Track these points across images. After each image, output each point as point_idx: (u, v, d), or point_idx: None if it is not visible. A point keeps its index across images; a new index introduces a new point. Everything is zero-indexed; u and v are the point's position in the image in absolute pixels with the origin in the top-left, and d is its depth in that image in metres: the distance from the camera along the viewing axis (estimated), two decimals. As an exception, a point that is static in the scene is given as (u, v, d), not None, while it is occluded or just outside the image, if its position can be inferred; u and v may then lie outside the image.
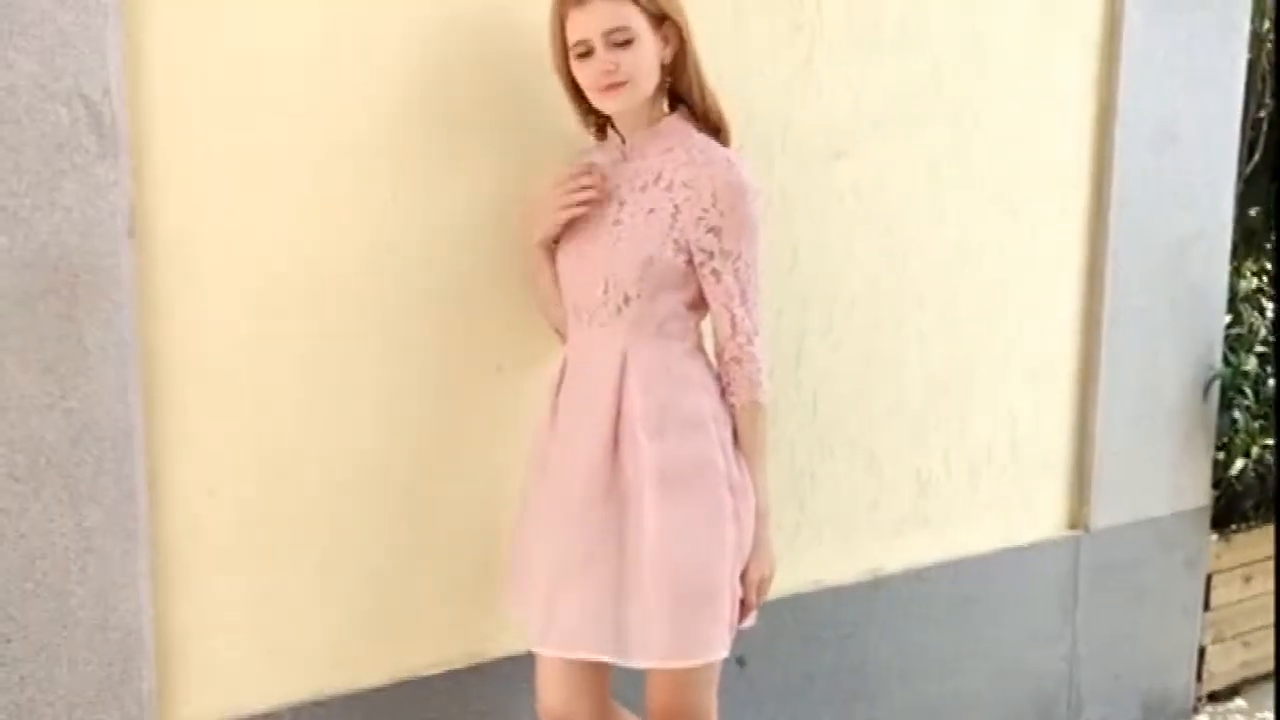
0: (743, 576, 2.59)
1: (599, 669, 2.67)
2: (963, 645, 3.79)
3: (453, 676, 2.89)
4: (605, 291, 2.56)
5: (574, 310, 2.65)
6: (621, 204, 2.59)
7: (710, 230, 2.51)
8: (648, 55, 2.52)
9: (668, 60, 2.56)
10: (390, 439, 2.76)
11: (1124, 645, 4.17)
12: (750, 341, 2.56)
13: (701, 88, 2.62)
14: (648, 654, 2.51)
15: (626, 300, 2.55)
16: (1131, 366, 3.99)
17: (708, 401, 2.57)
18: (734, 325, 2.55)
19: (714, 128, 2.63)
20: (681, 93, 2.62)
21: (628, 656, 2.52)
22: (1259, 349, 4.36)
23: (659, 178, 2.57)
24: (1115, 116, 3.80)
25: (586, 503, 2.54)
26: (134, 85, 2.37)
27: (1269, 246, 4.50)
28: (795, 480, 3.39)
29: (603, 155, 2.69)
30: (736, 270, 2.53)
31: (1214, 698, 4.52)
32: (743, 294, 2.54)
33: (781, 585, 3.31)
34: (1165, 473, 4.16)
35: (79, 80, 2.27)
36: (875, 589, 3.57)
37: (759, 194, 2.56)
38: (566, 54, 2.55)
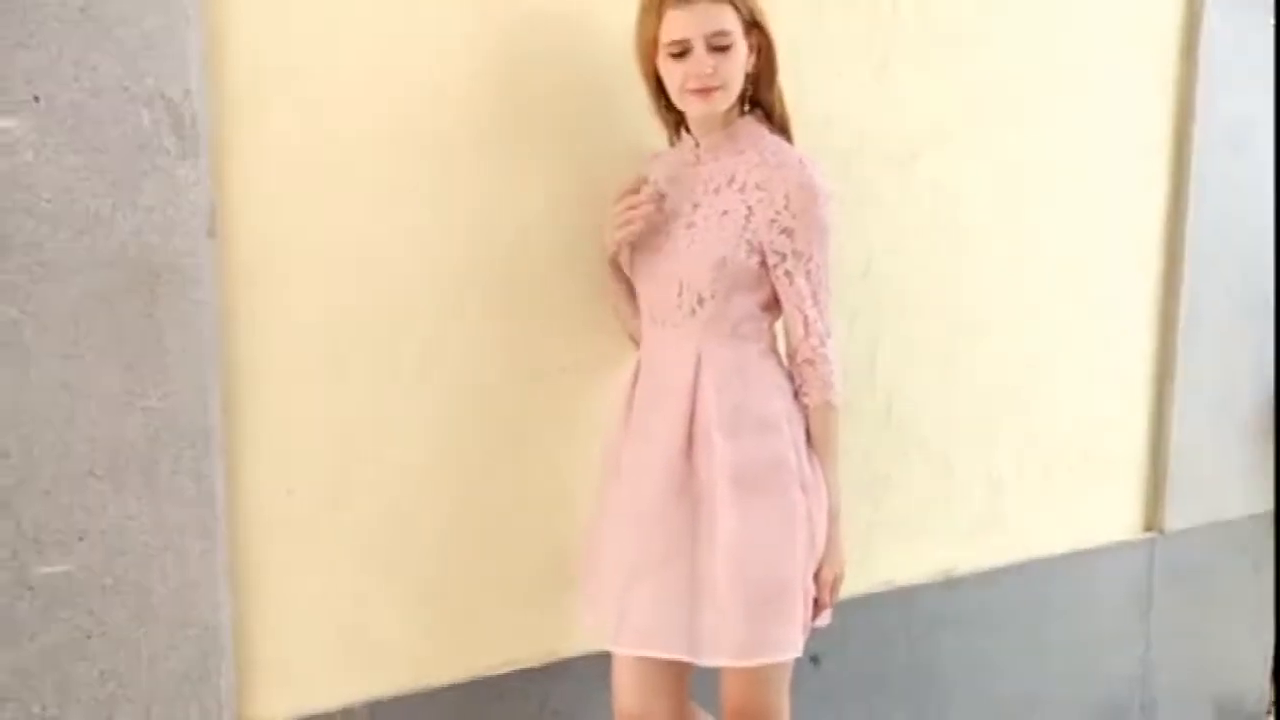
0: (816, 575, 2.57)
1: (677, 668, 2.63)
2: (1035, 647, 3.72)
3: (526, 675, 2.87)
4: (680, 293, 2.53)
5: (649, 312, 2.62)
6: (695, 206, 2.57)
7: (783, 231, 2.49)
8: (740, 61, 2.49)
9: (751, 68, 2.53)
10: (462, 439, 2.74)
11: (1197, 648, 4.10)
12: (823, 343, 2.53)
13: (781, 97, 2.60)
14: (720, 652, 2.49)
15: (700, 301, 2.52)
16: (1206, 369, 3.91)
17: (781, 402, 2.54)
18: (807, 327, 2.52)
19: (785, 131, 2.60)
20: (764, 101, 2.59)
21: (700, 655, 2.50)
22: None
23: (732, 179, 2.54)
24: (1192, 118, 3.72)
25: (661, 502, 2.52)
26: (214, 87, 2.36)
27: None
28: (870, 482, 3.34)
29: (674, 157, 2.66)
30: (809, 272, 2.51)
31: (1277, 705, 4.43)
32: (814, 295, 2.52)
33: (855, 585, 3.30)
34: (1238, 475, 4.08)
35: (160, 82, 2.26)
36: (948, 589, 3.51)
37: (831, 197, 2.51)
38: (655, 50, 2.50)
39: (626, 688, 2.67)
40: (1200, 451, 3.94)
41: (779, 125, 2.61)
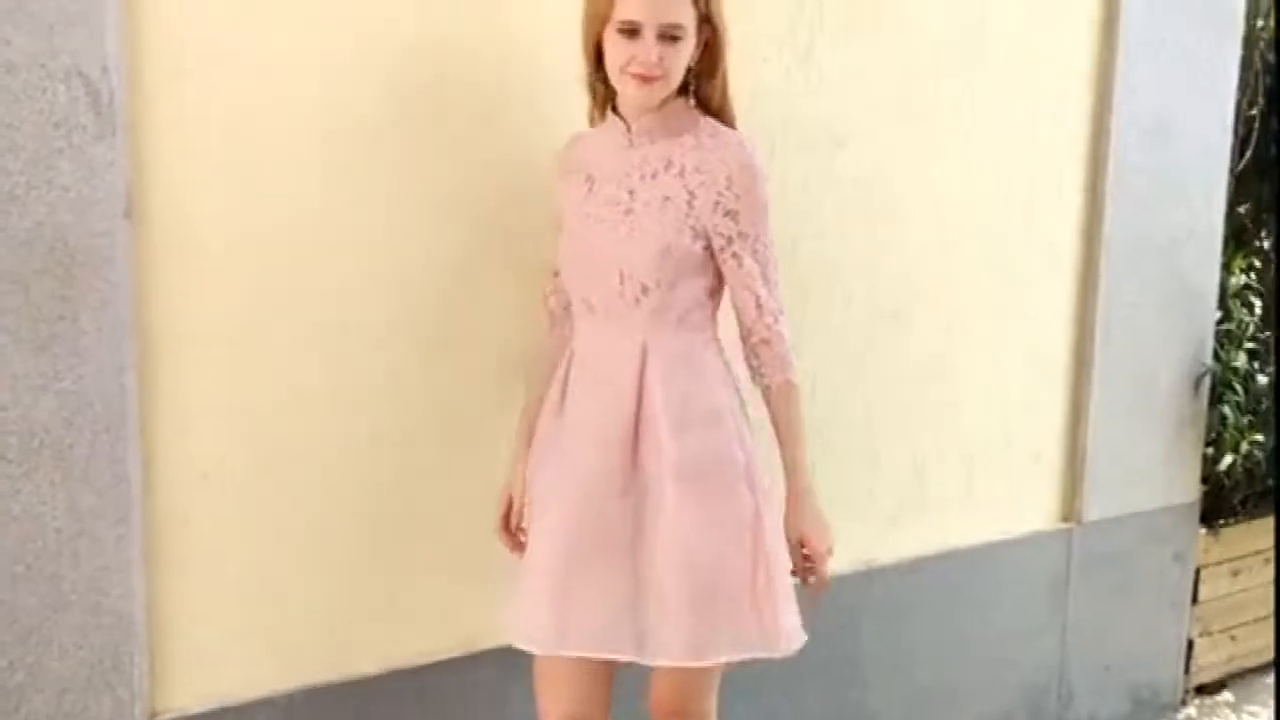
0: (804, 550, 2.55)
1: (609, 668, 2.57)
2: (956, 636, 3.72)
3: (446, 666, 2.82)
4: (621, 282, 2.46)
5: (583, 301, 2.53)
6: (632, 193, 2.48)
7: (727, 214, 2.45)
8: (686, 55, 2.43)
9: (694, 62, 2.47)
10: (385, 425, 2.69)
11: (1114, 638, 4.11)
12: (776, 320, 2.49)
13: (724, 94, 2.54)
14: (667, 653, 2.44)
15: (645, 291, 2.46)
16: (1124, 361, 3.92)
17: (725, 394, 2.51)
18: (759, 306, 2.47)
19: (723, 119, 2.55)
20: (702, 91, 2.53)
21: (646, 655, 2.45)
22: (1248, 345, 4.30)
23: (669, 164, 2.48)
24: (1111, 111, 3.73)
25: (603, 498, 2.45)
26: (133, 64, 2.30)
27: (1257, 244, 4.45)
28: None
29: (603, 138, 2.57)
30: (755, 251, 2.46)
31: (1201, 690, 4.45)
32: (764, 274, 2.47)
33: (776, 575, 3.29)
34: (1157, 467, 4.10)
35: (77, 58, 2.21)
36: (869, 579, 3.50)
37: (768, 177, 2.48)
38: (604, 23, 2.41)
39: (563, 690, 2.58)
40: (1118, 443, 3.95)
41: (715, 113, 2.54)
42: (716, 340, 2.57)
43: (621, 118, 2.53)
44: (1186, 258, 4.02)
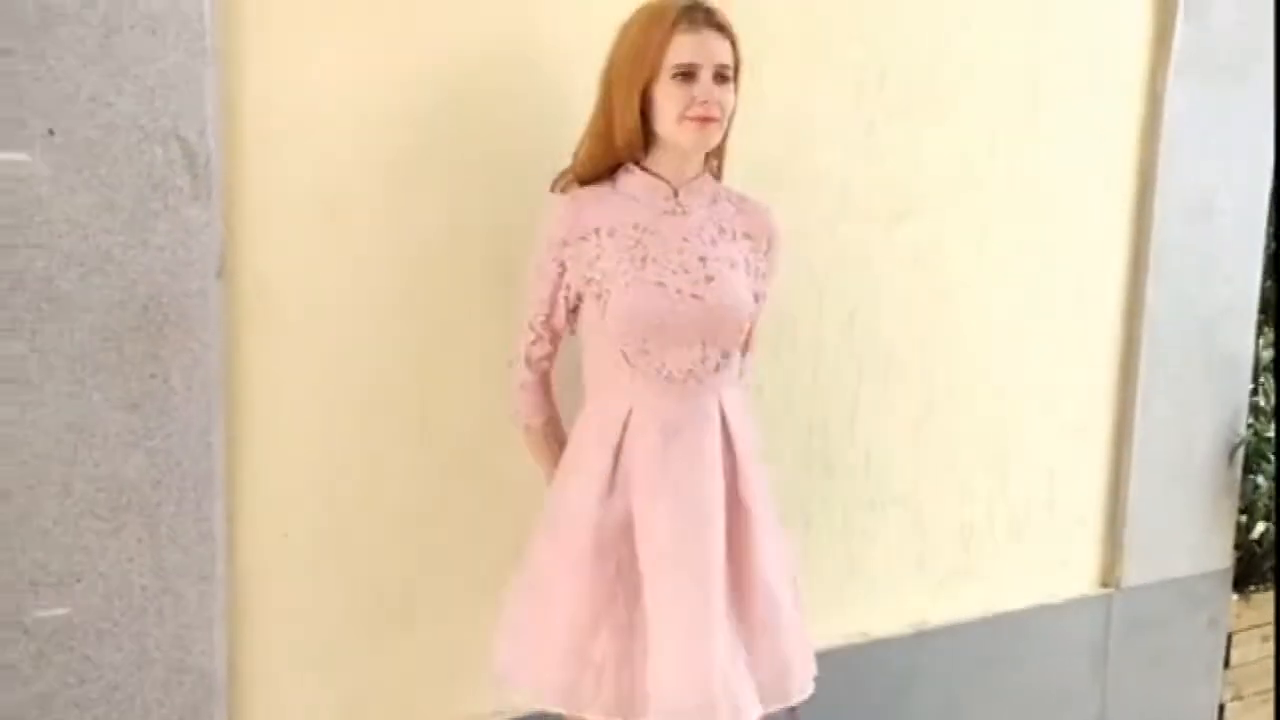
0: None
1: None
2: (1001, 698, 3.63)
3: (518, 724, 2.74)
4: (704, 350, 2.37)
5: (655, 372, 2.37)
6: (703, 260, 2.38)
7: (762, 276, 2.48)
8: (733, 99, 2.36)
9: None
10: (460, 488, 2.62)
11: (1150, 701, 4.01)
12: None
13: (723, 143, 2.47)
14: (805, 687, 2.51)
15: (726, 357, 2.40)
16: (1164, 431, 3.84)
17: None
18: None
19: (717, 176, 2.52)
20: (721, 149, 2.47)
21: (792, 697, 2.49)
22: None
23: (722, 230, 2.42)
24: (1154, 189, 3.67)
25: (715, 552, 2.35)
26: (227, 128, 2.24)
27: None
28: (847, 536, 3.25)
29: (626, 200, 2.41)
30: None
31: None
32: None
33: (831, 637, 3.22)
34: (1193, 533, 4.01)
35: (176, 121, 2.16)
36: (919, 641, 3.41)
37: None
38: (652, 73, 2.30)
39: None
40: (1157, 510, 3.87)
41: (718, 169, 2.51)
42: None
43: (660, 178, 2.40)
44: (1224, 331, 3.95)
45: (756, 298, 2.46)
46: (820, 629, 3.19)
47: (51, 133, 2.05)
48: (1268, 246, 4.06)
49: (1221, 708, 4.26)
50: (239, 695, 2.40)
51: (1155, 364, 3.77)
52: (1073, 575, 3.78)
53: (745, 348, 2.51)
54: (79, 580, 2.17)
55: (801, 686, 2.49)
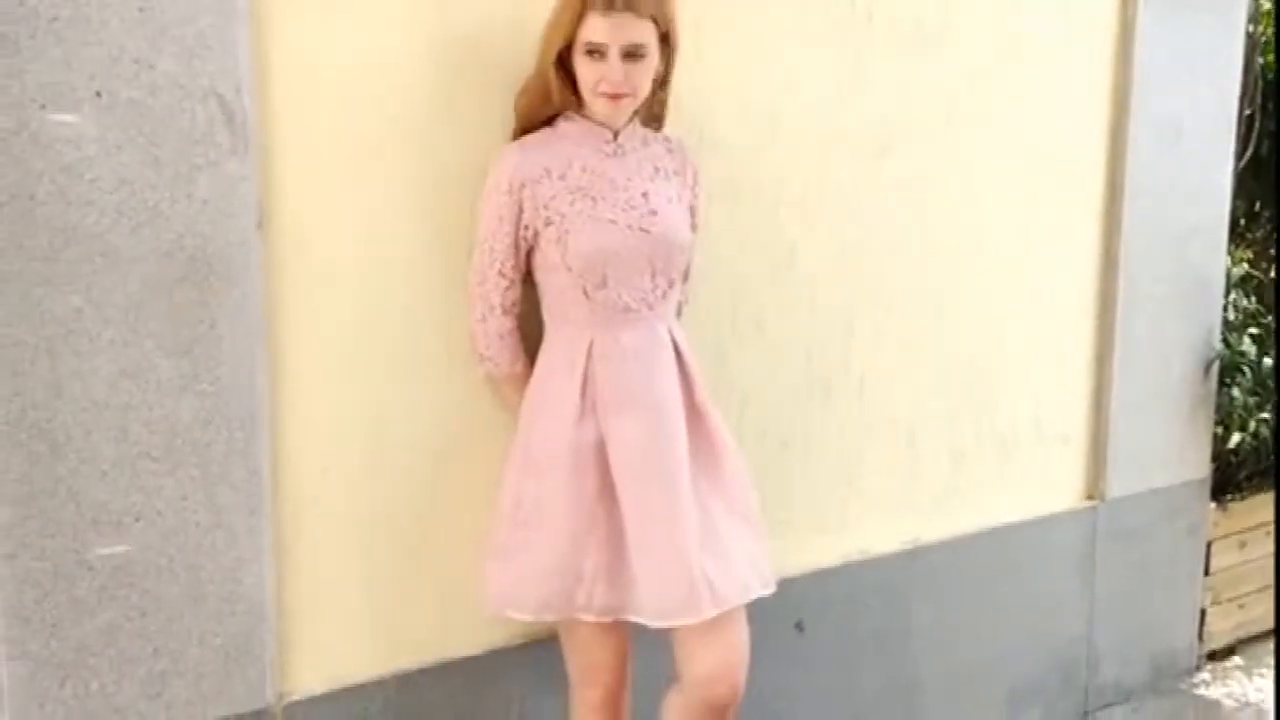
0: None
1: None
2: (993, 610, 3.79)
3: (543, 646, 2.86)
4: (653, 278, 2.59)
5: (608, 305, 2.56)
6: (645, 195, 2.58)
7: (691, 209, 2.70)
8: (650, 70, 2.52)
9: (659, 75, 2.58)
10: (485, 418, 2.74)
11: (1135, 608, 4.17)
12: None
13: (664, 102, 2.68)
14: (768, 579, 2.67)
15: (671, 284, 2.64)
16: (1142, 349, 4.00)
17: None
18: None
19: (657, 121, 2.72)
20: (657, 103, 2.66)
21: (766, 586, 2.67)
22: (1252, 330, 4.38)
23: (656, 169, 2.64)
24: (1128, 115, 3.81)
25: (680, 468, 2.56)
26: (261, 84, 2.34)
27: (1250, 236, 4.54)
28: (844, 457, 3.39)
29: (569, 146, 2.58)
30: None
31: (1213, 656, 4.52)
32: None
33: (832, 556, 3.37)
34: (1172, 446, 4.17)
35: (214, 81, 2.26)
36: (914, 558, 3.56)
37: None
38: (567, 41, 2.47)
39: (611, 659, 2.68)
40: (1137, 425, 4.03)
41: (657, 117, 2.70)
42: None
43: (602, 125, 2.57)
44: (1196, 250, 4.10)
45: (693, 229, 2.69)
46: (819, 547, 3.38)
47: (99, 94, 2.14)
48: (1235, 167, 4.21)
49: (1203, 612, 4.43)
50: (285, 624, 2.53)
51: (1132, 285, 3.92)
52: (1059, 490, 3.94)
53: (685, 276, 2.73)
54: (138, 519, 2.29)
55: (767, 580, 2.66)
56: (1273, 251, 4.51)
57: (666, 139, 2.69)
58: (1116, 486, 4.01)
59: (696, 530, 2.52)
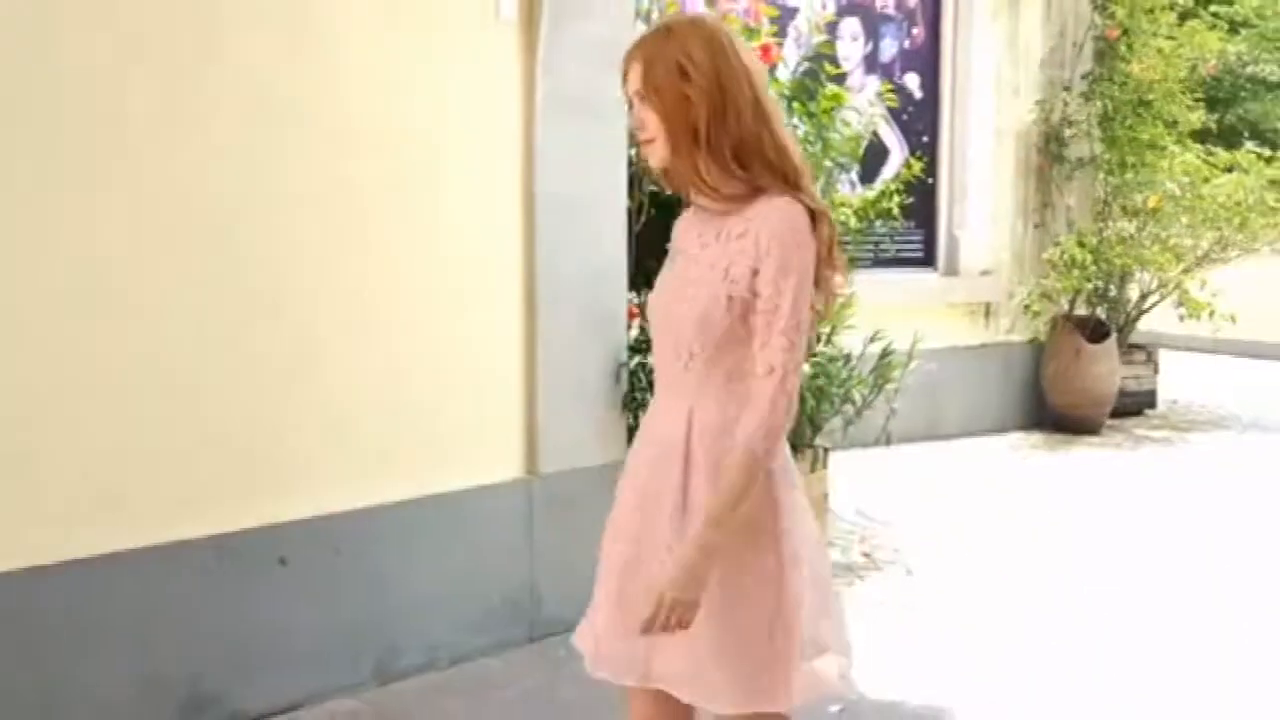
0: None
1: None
2: (454, 558, 5.04)
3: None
4: (675, 347, 2.72)
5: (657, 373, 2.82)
6: (693, 262, 2.72)
7: (756, 275, 2.66)
8: (654, 116, 2.67)
9: (689, 120, 2.62)
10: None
11: (571, 560, 4.95)
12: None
13: (746, 157, 2.66)
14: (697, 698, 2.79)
15: (691, 356, 2.70)
16: (563, 364, 5.30)
17: None
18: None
19: (786, 183, 2.70)
20: (713, 161, 2.68)
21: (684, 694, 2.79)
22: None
23: (719, 234, 2.70)
24: (535, 196, 5.19)
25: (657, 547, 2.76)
26: None
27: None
28: (336, 433, 4.64)
29: (688, 216, 2.82)
30: (777, 313, 2.65)
31: None
32: (776, 339, 2.65)
33: (312, 507, 4.56)
34: (592, 435, 5.49)
35: None
36: (387, 511, 4.80)
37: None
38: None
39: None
40: (563, 418, 5.34)
41: (752, 179, 2.62)
42: None
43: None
44: (602, 291, 5.49)
45: (730, 297, 2.58)
46: (307, 498, 4.59)
47: None
48: (636, 227, 5.67)
49: None
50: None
51: (549, 318, 5.26)
52: (504, 466, 5.23)
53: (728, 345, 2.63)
54: None
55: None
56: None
57: (768, 201, 2.60)
58: (547, 465, 5.32)
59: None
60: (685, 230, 2.76)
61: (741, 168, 2.59)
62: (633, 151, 5.39)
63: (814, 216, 2.61)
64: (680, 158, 2.61)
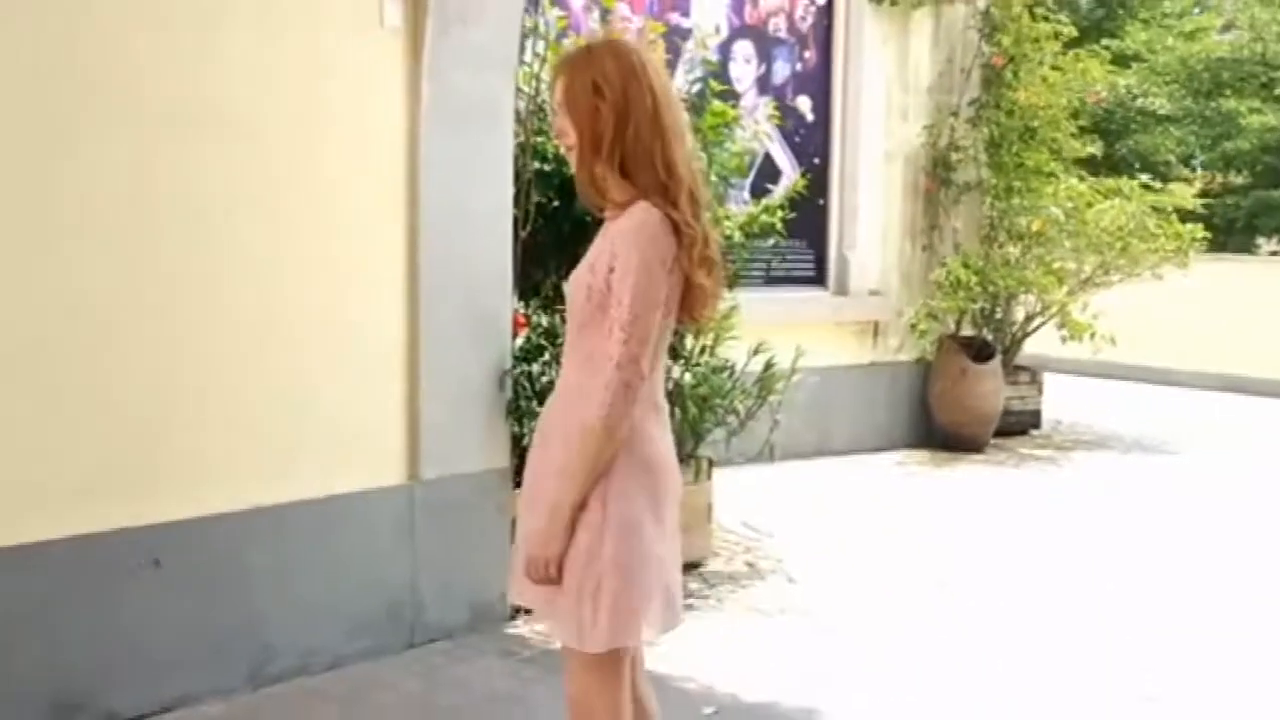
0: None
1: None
2: (332, 562, 5.03)
3: None
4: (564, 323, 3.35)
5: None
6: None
7: (611, 271, 2.98)
8: (569, 122, 3.05)
9: (595, 132, 3.00)
10: None
11: (453, 565, 5.41)
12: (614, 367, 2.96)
13: (630, 172, 3.02)
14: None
15: (577, 334, 3.11)
16: (444, 370, 5.31)
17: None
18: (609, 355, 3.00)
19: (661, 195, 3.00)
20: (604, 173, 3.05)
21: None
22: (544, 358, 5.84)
23: (603, 234, 3.08)
24: (419, 206, 5.20)
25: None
26: None
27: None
28: (214, 438, 4.62)
29: None
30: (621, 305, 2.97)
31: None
32: (622, 327, 2.96)
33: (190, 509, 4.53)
34: (475, 441, 5.50)
35: None
36: (259, 515, 4.79)
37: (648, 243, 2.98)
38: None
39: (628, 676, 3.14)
40: (445, 423, 5.34)
41: (640, 191, 2.96)
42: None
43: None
44: (486, 298, 5.51)
45: (590, 287, 2.96)
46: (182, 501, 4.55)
47: None
48: (521, 235, 5.71)
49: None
50: None
51: (432, 324, 5.27)
52: (383, 472, 5.22)
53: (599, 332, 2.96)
54: None
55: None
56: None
57: (631, 211, 2.94)
58: (429, 470, 5.31)
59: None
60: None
61: (627, 177, 2.93)
62: (520, 163, 5.43)
63: (676, 227, 2.92)
64: (584, 166, 2.97)
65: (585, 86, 2.93)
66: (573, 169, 3.05)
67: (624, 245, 2.89)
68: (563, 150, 3.09)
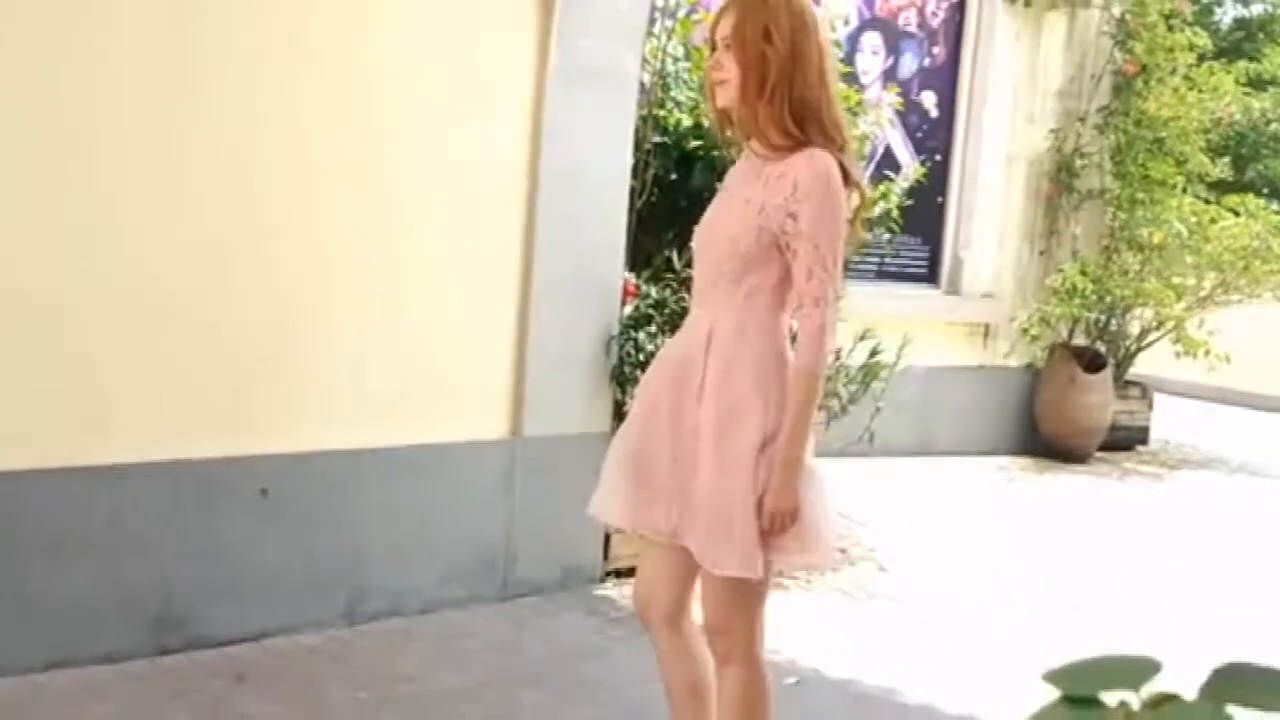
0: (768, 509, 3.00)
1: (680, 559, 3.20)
2: (431, 508, 5.14)
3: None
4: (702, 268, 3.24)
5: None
6: (734, 199, 3.15)
7: (790, 215, 3.02)
8: (736, 61, 3.07)
9: (759, 77, 3.04)
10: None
11: (548, 525, 5.47)
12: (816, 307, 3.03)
13: (797, 114, 3.04)
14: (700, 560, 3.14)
15: (721, 275, 3.14)
16: (553, 333, 5.39)
17: (766, 365, 3.09)
18: (801, 295, 3.07)
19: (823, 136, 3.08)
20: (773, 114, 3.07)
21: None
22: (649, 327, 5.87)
23: (759, 175, 3.09)
24: (539, 165, 5.28)
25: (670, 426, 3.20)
26: None
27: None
28: (328, 378, 4.75)
29: (741, 163, 3.27)
30: (814, 248, 3.02)
31: (617, 574, 5.71)
32: (814, 268, 3.02)
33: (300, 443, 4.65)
34: (579, 404, 5.58)
35: None
36: (369, 455, 4.90)
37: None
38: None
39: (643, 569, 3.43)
40: (549, 385, 5.43)
41: (800, 131, 2.99)
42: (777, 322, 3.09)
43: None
44: (598, 262, 5.58)
45: (761, 228, 2.98)
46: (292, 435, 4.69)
47: None
48: (637, 204, 5.76)
49: (608, 537, 5.73)
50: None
51: (544, 285, 5.35)
52: (487, 425, 5.33)
53: (780, 284, 3.04)
54: None
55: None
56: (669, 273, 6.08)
57: (808, 154, 2.96)
58: (531, 428, 5.40)
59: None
60: (735, 174, 3.18)
61: (797, 125, 2.96)
62: (641, 134, 5.49)
63: (846, 176, 3.01)
64: (746, 105, 2.99)
65: (757, 29, 2.95)
66: (719, 101, 3.08)
67: (815, 188, 2.92)
68: (711, 81, 3.11)
